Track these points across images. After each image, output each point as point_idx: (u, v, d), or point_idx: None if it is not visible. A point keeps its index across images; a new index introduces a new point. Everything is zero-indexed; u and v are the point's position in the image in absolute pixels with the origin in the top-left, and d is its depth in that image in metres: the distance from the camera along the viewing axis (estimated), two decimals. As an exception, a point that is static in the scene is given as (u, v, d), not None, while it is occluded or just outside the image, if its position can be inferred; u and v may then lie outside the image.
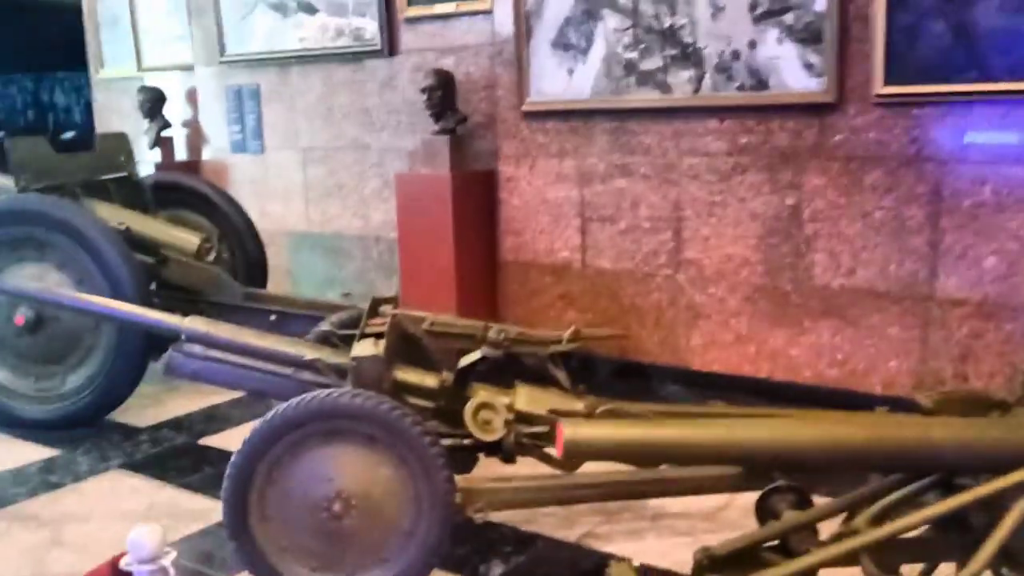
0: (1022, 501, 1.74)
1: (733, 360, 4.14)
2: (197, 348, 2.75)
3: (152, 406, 4.08)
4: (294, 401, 2.34)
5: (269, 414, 2.33)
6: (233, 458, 2.34)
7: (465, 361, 2.84)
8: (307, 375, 2.67)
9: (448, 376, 2.83)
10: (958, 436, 1.89)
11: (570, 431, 1.88)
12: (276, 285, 5.29)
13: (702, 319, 4.20)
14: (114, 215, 4.02)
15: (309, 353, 2.68)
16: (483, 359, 2.86)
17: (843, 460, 1.96)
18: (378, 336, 2.72)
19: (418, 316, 3.67)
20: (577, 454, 2.02)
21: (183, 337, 2.76)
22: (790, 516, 2.05)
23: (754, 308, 4.07)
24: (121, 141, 4.49)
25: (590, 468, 2.57)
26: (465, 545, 2.79)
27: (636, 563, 1.94)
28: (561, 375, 4.15)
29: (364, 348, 2.60)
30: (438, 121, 4.62)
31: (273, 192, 5.86)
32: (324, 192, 5.66)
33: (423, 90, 4.60)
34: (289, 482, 2.38)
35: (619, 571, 1.88)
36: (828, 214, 3.83)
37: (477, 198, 4.66)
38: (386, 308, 3.04)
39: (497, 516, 2.94)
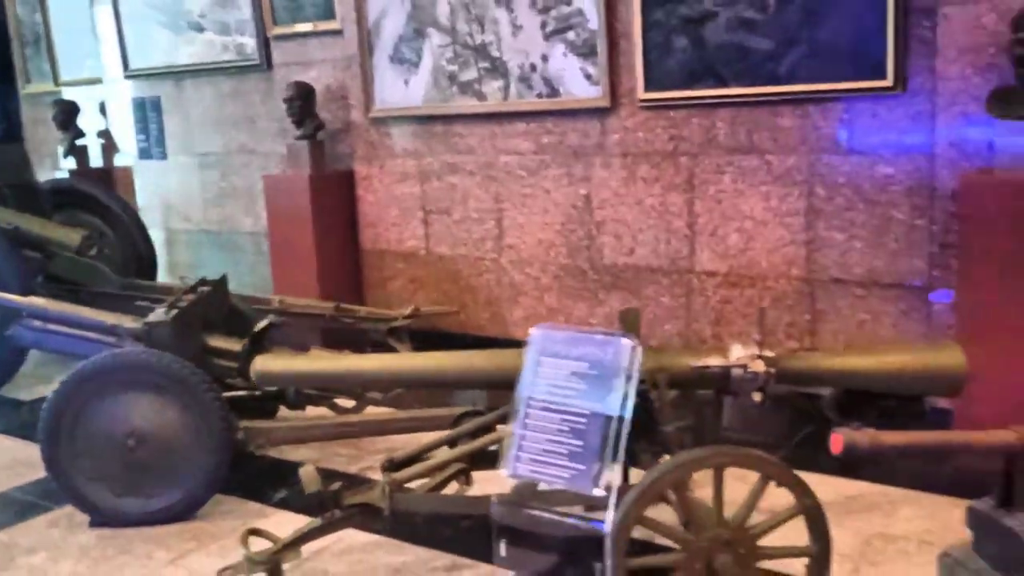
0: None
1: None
2: (36, 322, 3.39)
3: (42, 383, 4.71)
4: (92, 358, 2.98)
5: (72, 369, 2.98)
6: (45, 406, 2.98)
7: (257, 328, 3.47)
8: (113, 339, 3.30)
9: (247, 342, 3.47)
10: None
11: (259, 363, 2.54)
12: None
13: (522, 295, 4.85)
14: (3, 216, 4.64)
15: (111, 320, 3.31)
16: (271, 325, 3.49)
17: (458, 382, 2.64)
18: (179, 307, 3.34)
19: (262, 297, 4.37)
20: (267, 382, 2.68)
21: (24, 313, 3.40)
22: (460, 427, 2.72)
23: (561, 284, 4.72)
24: (16, 151, 5.11)
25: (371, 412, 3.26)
26: (260, 478, 3.42)
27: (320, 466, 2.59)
28: (403, 347, 4.84)
29: (156, 316, 3.23)
30: (300, 128, 5.25)
31: (176, 195, 6.48)
32: (219, 193, 6.29)
33: (284, 100, 5.23)
34: (94, 424, 3.02)
35: (306, 473, 2.52)
36: (612, 202, 4.47)
37: (336, 195, 5.29)
38: (204, 288, 3.67)
39: (295, 455, 3.59)
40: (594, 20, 4.30)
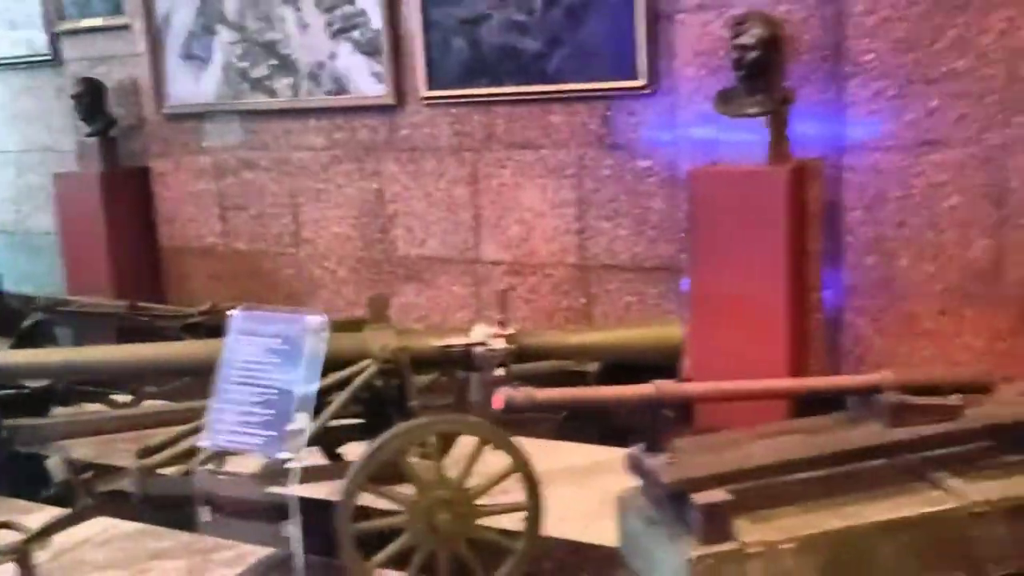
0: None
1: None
2: None
3: None
4: None
5: None
6: None
7: (23, 326, 3.44)
8: None
9: (16, 340, 3.43)
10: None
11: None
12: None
13: (320, 289, 4.95)
14: None
15: None
16: (37, 323, 3.46)
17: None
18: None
19: (52, 298, 4.30)
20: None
21: None
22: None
23: (358, 277, 4.84)
24: None
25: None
26: (31, 475, 3.38)
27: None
28: (199, 344, 4.81)
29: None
30: (90, 124, 5.15)
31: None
32: (16, 192, 6.07)
33: (72, 97, 5.12)
34: None
35: (53, 464, 2.55)
36: (403, 196, 4.64)
37: (131, 193, 5.23)
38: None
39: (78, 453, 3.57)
40: (377, 20, 4.44)
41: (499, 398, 1.95)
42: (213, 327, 4.62)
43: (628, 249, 4.17)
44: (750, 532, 1.86)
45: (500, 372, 2.79)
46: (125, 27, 5.16)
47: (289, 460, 1.88)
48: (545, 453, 3.35)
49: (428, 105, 4.46)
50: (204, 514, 2.04)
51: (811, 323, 3.64)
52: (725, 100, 3.46)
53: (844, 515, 1.92)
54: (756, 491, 1.97)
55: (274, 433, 1.88)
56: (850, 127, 3.40)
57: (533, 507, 2.34)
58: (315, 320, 2.00)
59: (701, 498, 1.82)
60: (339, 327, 2.85)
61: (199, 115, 5.03)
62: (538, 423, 3.34)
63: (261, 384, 1.97)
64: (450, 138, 4.47)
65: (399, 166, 4.61)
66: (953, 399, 2.04)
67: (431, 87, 4.40)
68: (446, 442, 2.43)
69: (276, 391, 1.94)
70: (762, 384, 2.22)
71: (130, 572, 2.68)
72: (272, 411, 1.91)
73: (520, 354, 2.81)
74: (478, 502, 2.32)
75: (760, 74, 3.38)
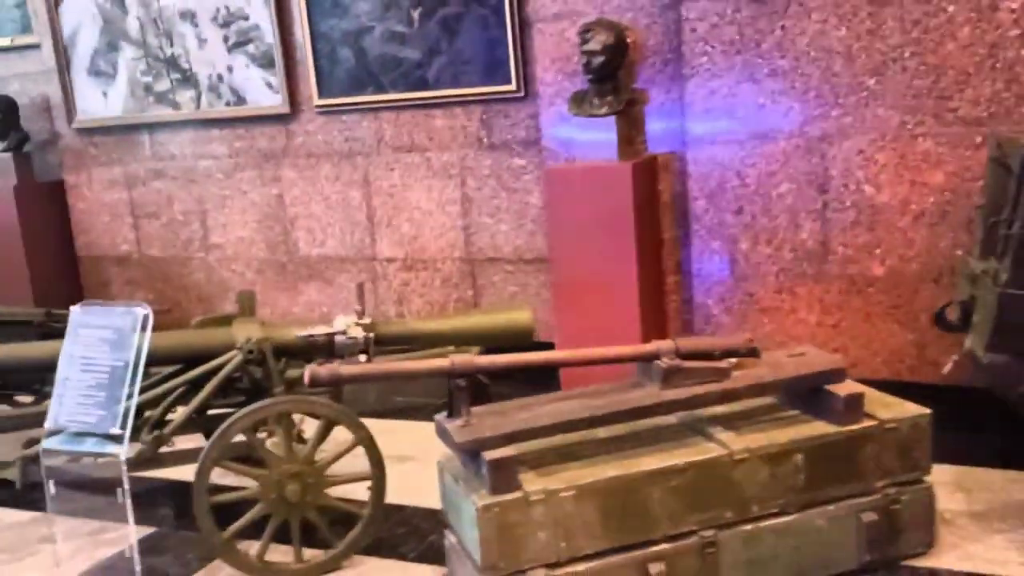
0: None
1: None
2: None
3: None
4: None
5: None
6: None
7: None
8: None
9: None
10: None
11: None
12: None
13: (230, 291, 5.17)
14: None
15: None
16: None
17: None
18: None
19: None
20: None
21: None
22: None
23: (264, 278, 5.09)
24: None
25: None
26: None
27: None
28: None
29: None
30: (3, 140, 5.34)
31: None
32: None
33: (-16, 115, 5.31)
34: None
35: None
36: (302, 200, 4.89)
37: (46, 205, 5.42)
38: None
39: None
40: (269, 34, 4.68)
41: (306, 374, 2.22)
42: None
43: (510, 243, 4.45)
44: (534, 483, 2.14)
45: (362, 358, 3.07)
46: (36, 46, 5.35)
47: (121, 436, 2.13)
48: (408, 431, 3.66)
49: (320, 113, 4.71)
50: (50, 488, 2.28)
51: (669, 304, 3.95)
52: (577, 102, 3.75)
53: (621, 466, 2.21)
54: (544, 449, 2.26)
55: (105, 412, 2.13)
56: (691, 124, 3.71)
57: (377, 477, 2.61)
58: (139, 312, 2.25)
59: (489, 455, 2.10)
60: (211, 323, 3.12)
61: (108, 128, 5.24)
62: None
63: (95, 370, 2.22)
64: (342, 144, 4.72)
65: (297, 171, 4.86)
66: (722, 363, 2.34)
67: (322, 96, 4.66)
68: (327, 426, 2.68)
69: (107, 376, 2.19)
70: (552, 355, 2.50)
71: (20, 555, 2.91)
72: (103, 393, 2.16)
73: (379, 341, 3.07)
74: (328, 473, 2.59)
75: (607, 77, 3.67)
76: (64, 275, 5.53)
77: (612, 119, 3.68)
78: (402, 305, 4.78)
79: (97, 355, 2.17)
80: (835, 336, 3.60)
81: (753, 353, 2.40)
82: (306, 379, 2.18)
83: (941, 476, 2.67)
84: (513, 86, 4.22)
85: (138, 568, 2.51)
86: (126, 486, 2.14)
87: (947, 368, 2.75)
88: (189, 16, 4.86)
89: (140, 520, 2.89)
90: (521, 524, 2.11)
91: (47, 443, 2.22)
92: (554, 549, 2.14)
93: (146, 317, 2.21)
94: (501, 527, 2.09)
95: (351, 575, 2.62)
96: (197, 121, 5.01)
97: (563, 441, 2.30)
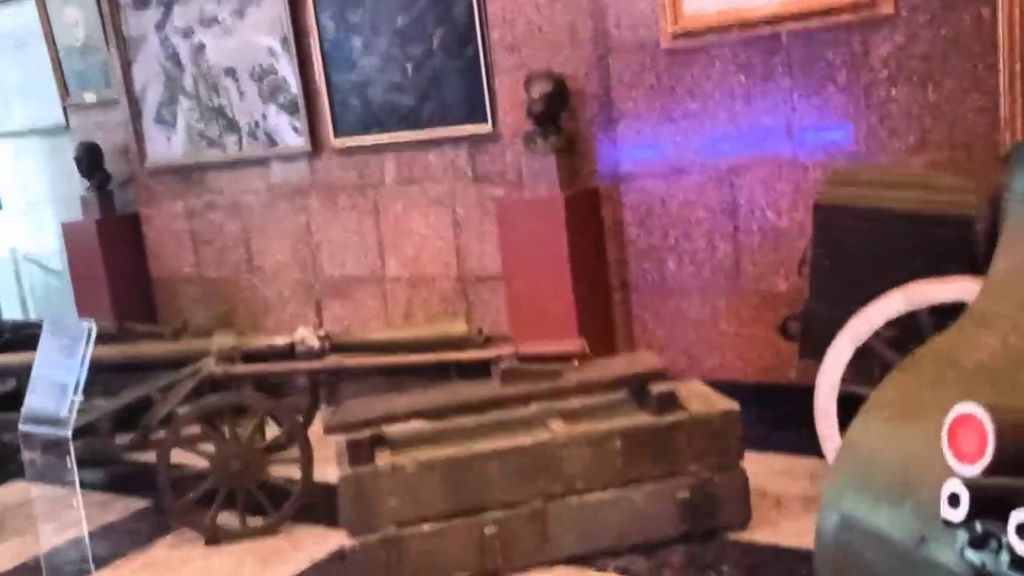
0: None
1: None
2: None
3: None
4: None
5: None
6: None
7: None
8: None
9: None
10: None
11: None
12: None
13: (272, 307, 5.97)
14: None
15: None
16: (7, 342, 4.55)
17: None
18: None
19: (19, 322, 5.41)
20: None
21: None
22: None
23: (296, 296, 5.85)
24: None
25: None
26: None
27: None
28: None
29: None
30: (89, 181, 6.32)
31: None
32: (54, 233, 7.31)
33: (74, 159, 6.29)
34: None
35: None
36: (325, 227, 5.62)
37: (125, 234, 6.37)
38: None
39: None
40: (295, 86, 5.45)
41: (206, 373, 2.87)
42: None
43: (495, 263, 5.03)
44: (385, 459, 2.73)
45: (320, 363, 3.72)
46: (115, 100, 6.31)
47: (67, 420, 2.80)
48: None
49: (337, 152, 5.44)
50: (34, 459, 3.00)
51: (616, 316, 4.44)
52: (526, 141, 4.32)
53: (461, 447, 2.76)
54: (407, 434, 2.84)
55: (59, 402, 2.82)
56: (622, 159, 4.21)
57: (305, 460, 3.25)
58: (85, 327, 2.93)
59: (350, 436, 2.70)
60: (195, 333, 3.85)
61: (171, 169, 6.13)
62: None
63: (54, 369, 2.91)
64: (356, 178, 5.43)
65: (320, 202, 5.60)
66: (554, 366, 2.85)
67: (337, 137, 5.38)
68: (261, 417, 3.34)
69: (62, 374, 2.88)
70: (400, 359, 3.10)
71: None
72: (57, 398, 2.84)
73: (335, 349, 3.72)
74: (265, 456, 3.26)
75: (548, 120, 4.22)
76: (141, 294, 6.46)
77: (553, 156, 4.22)
78: (408, 319, 5.43)
79: (57, 358, 2.87)
80: (751, 344, 4.03)
81: (584, 357, 2.91)
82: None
83: (781, 464, 3.10)
84: (489, 126, 4.82)
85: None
86: (73, 465, 2.81)
87: (793, 373, 3.18)
88: (232, 73, 5.68)
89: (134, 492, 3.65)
90: (374, 491, 2.70)
91: (23, 426, 2.94)
92: (403, 512, 2.72)
93: (90, 330, 2.91)
94: (357, 494, 2.69)
95: (284, 538, 3.27)
96: (240, 161, 5.83)
97: (423, 428, 2.87)
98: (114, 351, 3.89)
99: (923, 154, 3.48)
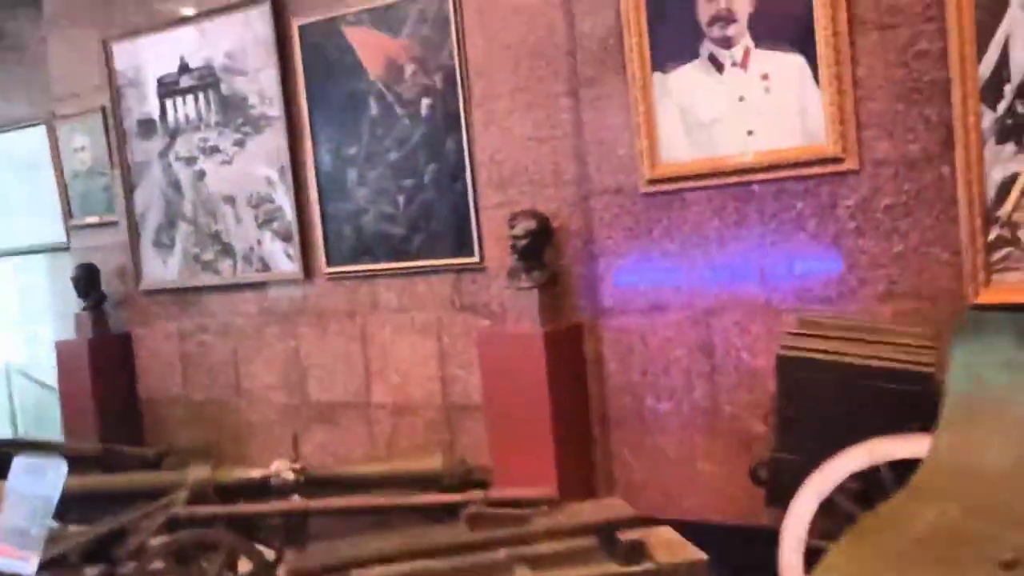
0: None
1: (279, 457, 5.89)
2: None
3: None
4: None
5: None
6: None
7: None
8: None
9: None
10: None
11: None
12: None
13: (257, 430, 5.98)
14: None
15: None
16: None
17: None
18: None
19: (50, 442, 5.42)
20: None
21: None
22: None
23: (283, 419, 5.86)
24: None
25: None
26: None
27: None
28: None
29: None
30: (85, 300, 6.43)
31: (3, 355, 7.57)
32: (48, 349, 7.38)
33: (71, 279, 6.42)
34: None
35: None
36: (313, 352, 5.68)
37: (115, 354, 6.43)
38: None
39: None
40: (289, 214, 5.61)
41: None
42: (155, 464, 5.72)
43: (479, 393, 5.06)
44: (353, 603, 2.72)
45: (296, 498, 3.72)
46: (114, 223, 6.48)
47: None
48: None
49: (328, 279, 5.55)
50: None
51: (596, 451, 4.44)
52: (510, 275, 4.42)
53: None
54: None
55: (27, 535, 2.81)
56: (603, 296, 4.31)
57: (268, 585, 3.22)
58: (53, 464, 2.96)
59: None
60: (178, 457, 3.86)
61: (166, 291, 6.25)
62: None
63: (20, 513, 2.92)
64: (345, 304, 5.52)
65: (310, 328, 5.68)
66: (523, 511, 2.86)
67: (329, 264, 5.50)
68: (228, 553, 3.33)
69: (31, 509, 2.88)
70: (366, 501, 3.10)
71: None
72: (26, 536, 2.84)
73: (310, 483, 3.73)
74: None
75: (531, 257, 4.33)
76: (129, 414, 6.47)
77: (536, 291, 4.31)
78: (390, 447, 5.43)
79: (23, 499, 2.88)
80: (728, 485, 4.02)
81: (553, 503, 2.92)
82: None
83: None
84: (476, 258, 4.93)
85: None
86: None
87: (764, 519, 3.18)
88: (230, 200, 5.86)
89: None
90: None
91: (-8, 556, 2.93)
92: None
93: (59, 469, 2.93)
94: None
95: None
96: (234, 285, 5.94)
97: (389, 572, 2.86)
98: (88, 481, 3.89)
99: (891, 303, 3.57)
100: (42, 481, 2.76)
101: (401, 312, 5.32)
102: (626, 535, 2.89)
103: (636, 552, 2.84)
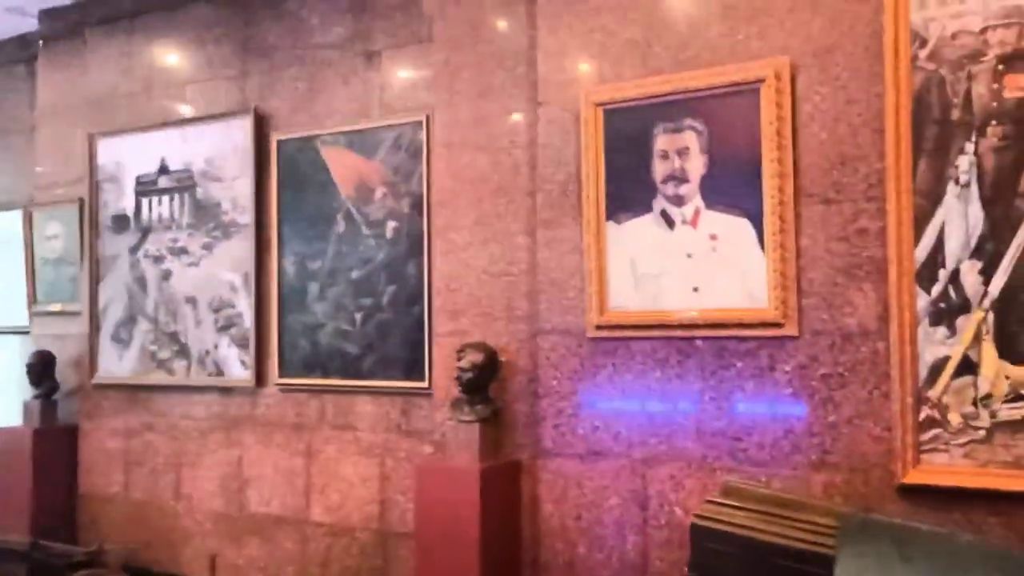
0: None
1: (206, 567, 5.73)
2: None
3: None
4: None
5: None
6: None
7: None
8: None
9: None
10: None
11: None
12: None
13: (191, 537, 5.82)
14: None
15: None
16: None
17: None
18: None
19: None
20: None
21: None
22: None
23: (218, 529, 5.71)
24: None
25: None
26: None
27: None
28: None
29: None
30: (37, 388, 6.35)
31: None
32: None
33: (26, 365, 6.36)
34: None
35: None
36: (256, 463, 5.59)
37: (60, 448, 6.31)
38: None
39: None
40: (248, 321, 5.61)
41: None
42: (86, 565, 5.55)
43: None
44: None
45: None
46: (77, 313, 6.46)
47: None
48: None
49: (279, 390, 5.51)
50: None
51: (525, 597, 4.33)
52: (453, 407, 4.40)
53: None
54: None
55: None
56: (544, 436, 4.27)
57: None
58: None
59: None
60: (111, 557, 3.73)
61: (118, 386, 6.18)
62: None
63: None
64: (293, 417, 5.47)
65: (255, 437, 5.60)
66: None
67: (282, 375, 5.48)
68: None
69: None
70: None
71: None
72: None
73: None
74: None
75: (475, 390, 4.31)
76: (65, 509, 6.31)
77: (477, 425, 4.28)
78: (325, 567, 5.29)
79: None
80: (653, 645, 3.90)
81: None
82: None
83: None
84: (426, 383, 4.92)
85: None
86: None
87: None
88: (192, 301, 5.86)
89: None
90: None
91: None
92: None
93: None
94: None
95: None
96: (185, 387, 5.89)
97: None
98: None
99: (823, 473, 3.55)
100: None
101: (347, 430, 5.27)
102: None
103: None
